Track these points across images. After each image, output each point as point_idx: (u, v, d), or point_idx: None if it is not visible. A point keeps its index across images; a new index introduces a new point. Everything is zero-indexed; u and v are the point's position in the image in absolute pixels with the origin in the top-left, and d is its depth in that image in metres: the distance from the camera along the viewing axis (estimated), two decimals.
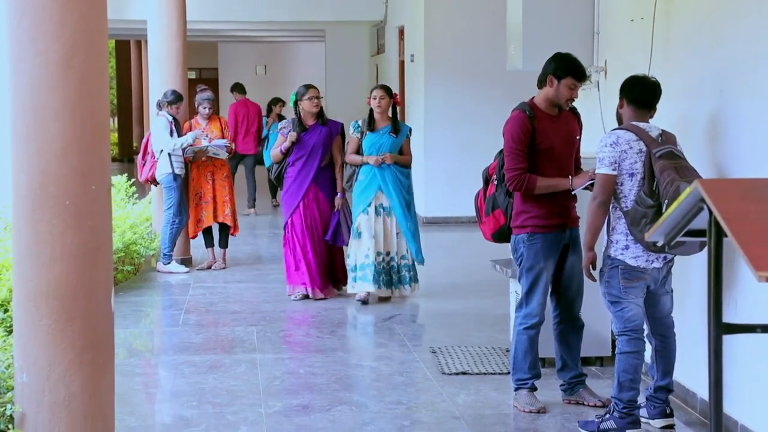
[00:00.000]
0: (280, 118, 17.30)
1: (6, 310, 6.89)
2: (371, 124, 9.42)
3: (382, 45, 19.60)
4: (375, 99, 9.38)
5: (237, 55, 30.50)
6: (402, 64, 17.46)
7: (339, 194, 9.67)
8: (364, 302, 9.40)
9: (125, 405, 6.37)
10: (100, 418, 4.44)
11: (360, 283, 9.39)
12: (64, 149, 4.27)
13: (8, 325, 6.53)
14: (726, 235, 3.65)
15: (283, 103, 17.85)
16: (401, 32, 17.55)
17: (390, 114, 9.49)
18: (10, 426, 4.62)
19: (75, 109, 4.27)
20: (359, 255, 9.37)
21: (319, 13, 19.69)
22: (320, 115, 9.68)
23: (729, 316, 5.30)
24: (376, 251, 9.33)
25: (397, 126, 9.45)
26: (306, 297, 9.60)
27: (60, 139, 4.27)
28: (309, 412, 6.36)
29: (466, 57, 15.17)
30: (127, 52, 31.45)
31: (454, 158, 15.13)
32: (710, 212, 3.68)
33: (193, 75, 30.15)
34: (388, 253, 9.42)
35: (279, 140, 9.68)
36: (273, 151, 9.72)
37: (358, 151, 9.45)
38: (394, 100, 9.48)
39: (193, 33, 17.01)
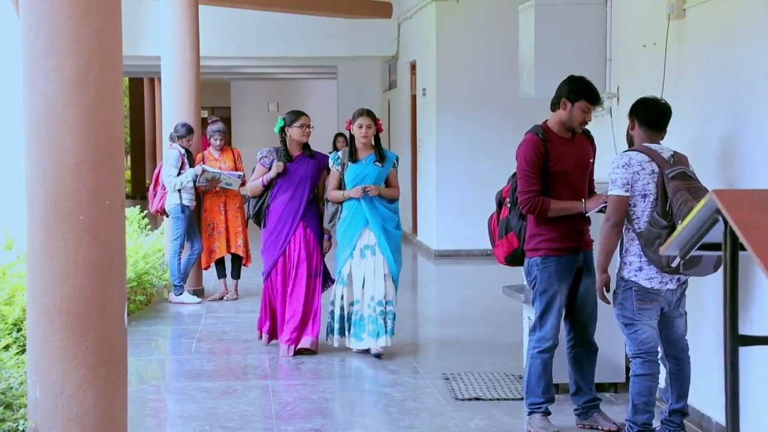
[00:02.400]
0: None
1: (19, 329, 6.91)
2: (353, 153, 8.37)
3: (394, 80, 19.67)
4: (361, 128, 8.27)
5: (249, 92, 30.59)
6: (414, 98, 17.51)
7: (326, 236, 8.59)
8: (378, 356, 8.35)
9: (137, 429, 6.34)
10: None
11: (354, 340, 8.34)
12: (78, 164, 4.28)
13: (21, 343, 6.53)
14: (742, 249, 3.62)
15: (345, 138, 17.87)
16: (413, 67, 17.62)
17: (373, 142, 8.39)
18: None
19: (89, 125, 4.28)
20: (354, 306, 8.33)
21: (331, 48, 19.79)
22: (306, 146, 8.60)
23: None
24: (370, 297, 8.28)
25: (382, 154, 8.36)
26: (301, 352, 8.51)
27: (74, 154, 4.28)
28: None
29: (477, 90, 15.25)
30: (141, 90, 31.62)
31: (465, 191, 15.15)
32: (725, 223, 3.66)
33: (205, 114, 30.22)
34: (372, 298, 8.28)
35: (259, 171, 8.55)
36: (252, 184, 8.58)
37: (341, 186, 8.39)
38: (377, 127, 8.39)
39: (206, 69, 17.06)
